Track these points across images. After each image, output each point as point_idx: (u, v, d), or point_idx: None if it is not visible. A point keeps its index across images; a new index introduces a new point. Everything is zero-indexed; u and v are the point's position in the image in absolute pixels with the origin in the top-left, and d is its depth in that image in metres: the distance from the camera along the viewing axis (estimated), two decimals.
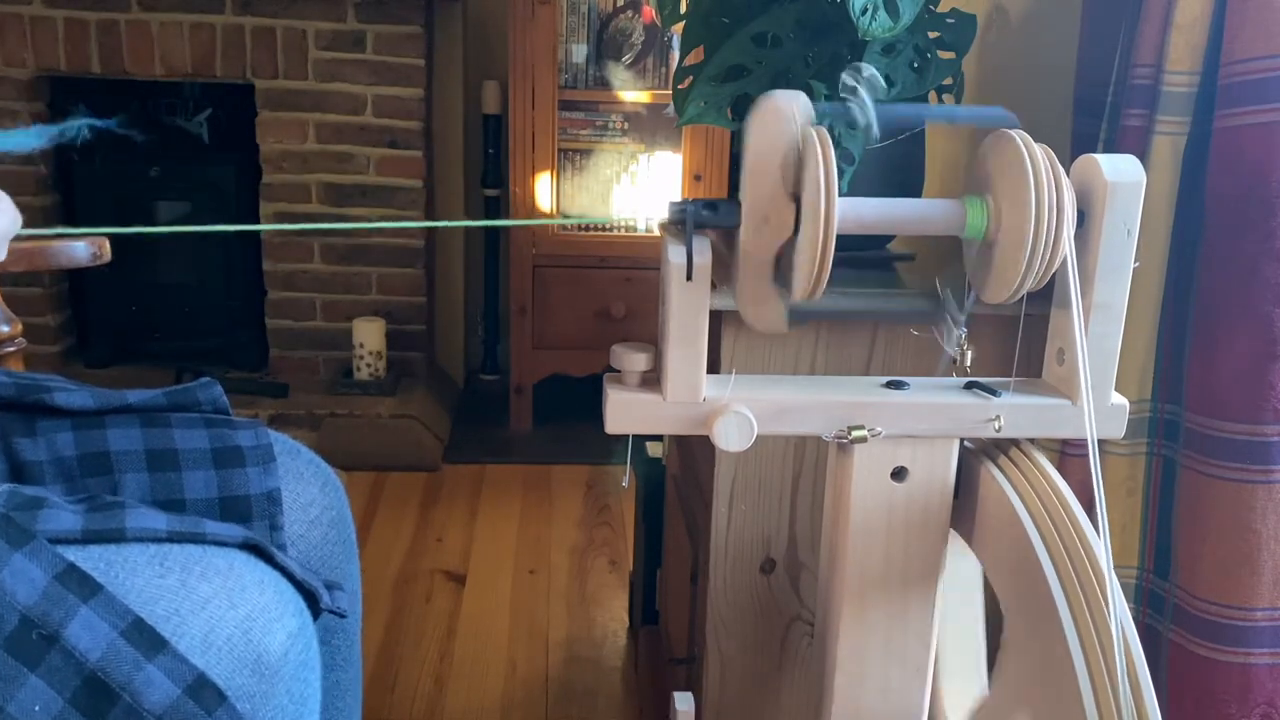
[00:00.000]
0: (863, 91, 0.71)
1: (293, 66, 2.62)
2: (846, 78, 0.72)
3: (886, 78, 0.96)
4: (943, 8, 1.03)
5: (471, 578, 2.11)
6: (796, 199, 0.72)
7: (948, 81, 1.04)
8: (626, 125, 2.80)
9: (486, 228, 3.01)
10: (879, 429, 0.77)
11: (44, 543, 0.68)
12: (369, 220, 2.72)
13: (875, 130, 0.71)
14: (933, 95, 1.07)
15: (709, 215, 0.73)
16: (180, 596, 0.71)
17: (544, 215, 2.73)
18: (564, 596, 2.06)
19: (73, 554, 0.69)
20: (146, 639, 0.67)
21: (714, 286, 0.75)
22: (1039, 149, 0.71)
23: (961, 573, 0.87)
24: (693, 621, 1.25)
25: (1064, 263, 0.73)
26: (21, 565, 0.66)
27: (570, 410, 2.83)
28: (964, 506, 0.81)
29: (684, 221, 0.72)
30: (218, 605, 0.72)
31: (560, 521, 2.37)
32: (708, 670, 1.14)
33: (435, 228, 2.94)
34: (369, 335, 2.70)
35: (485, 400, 3.03)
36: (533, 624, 1.96)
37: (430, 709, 1.71)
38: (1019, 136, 0.72)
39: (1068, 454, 1.03)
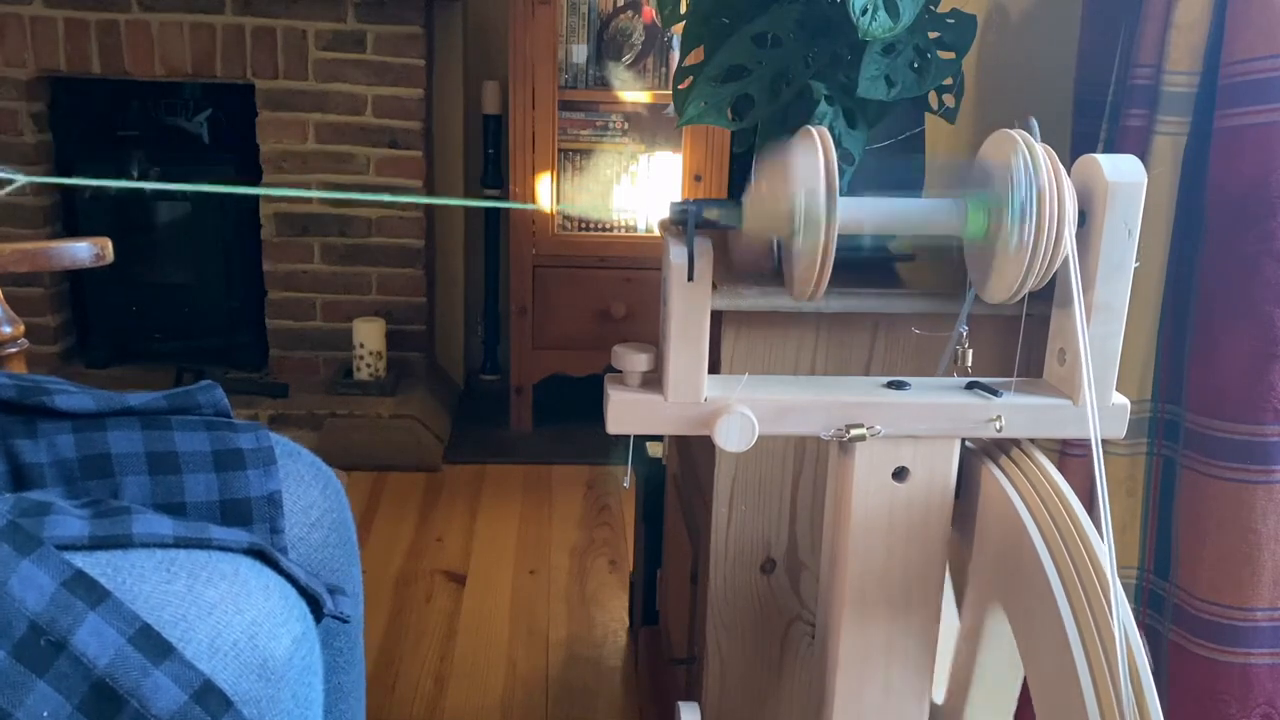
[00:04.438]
0: None
1: (293, 67, 2.62)
2: None
3: (886, 78, 0.97)
4: (943, 8, 1.03)
5: (471, 578, 2.11)
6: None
7: (948, 81, 1.04)
8: (626, 125, 2.80)
9: (486, 228, 3.01)
10: (878, 427, 0.77)
11: (51, 549, 0.68)
12: (370, 220, 2.72)
13: None
14: (933, 95, 1.07)
15: (711, 215, 0.73)
16: (187, 602, 0.71)
17: (544, 215, 2.74)
18: (564, 596, 2.06)
19: (80, 560, 0.69)
20: (153, 645, 0.67)
21: (714, 286, 0.75)
22: (1040, 148, 0.71)
23: None
24: (693, 622, 1.25)
25: (1065, 263, 0.73)
26: (29, 572, 0.66)
27: (570, 410, 2.83)
28: (965, 507, 0.81)
29: (685, 222, 0.72)
30: (224, 611, 0.72)
31: (560, 521, 2.37)
32: (708, 670, 1.14)
33: (434, 225, 2.93)
34: (369, 335, 2.70)
35: (485, 400, 3.03)
36: (533, 624, 1.96)
37: (430, 709, 1.71)
38: (1020, 136, 0.72)
39: (1068, 454, 1.03)
